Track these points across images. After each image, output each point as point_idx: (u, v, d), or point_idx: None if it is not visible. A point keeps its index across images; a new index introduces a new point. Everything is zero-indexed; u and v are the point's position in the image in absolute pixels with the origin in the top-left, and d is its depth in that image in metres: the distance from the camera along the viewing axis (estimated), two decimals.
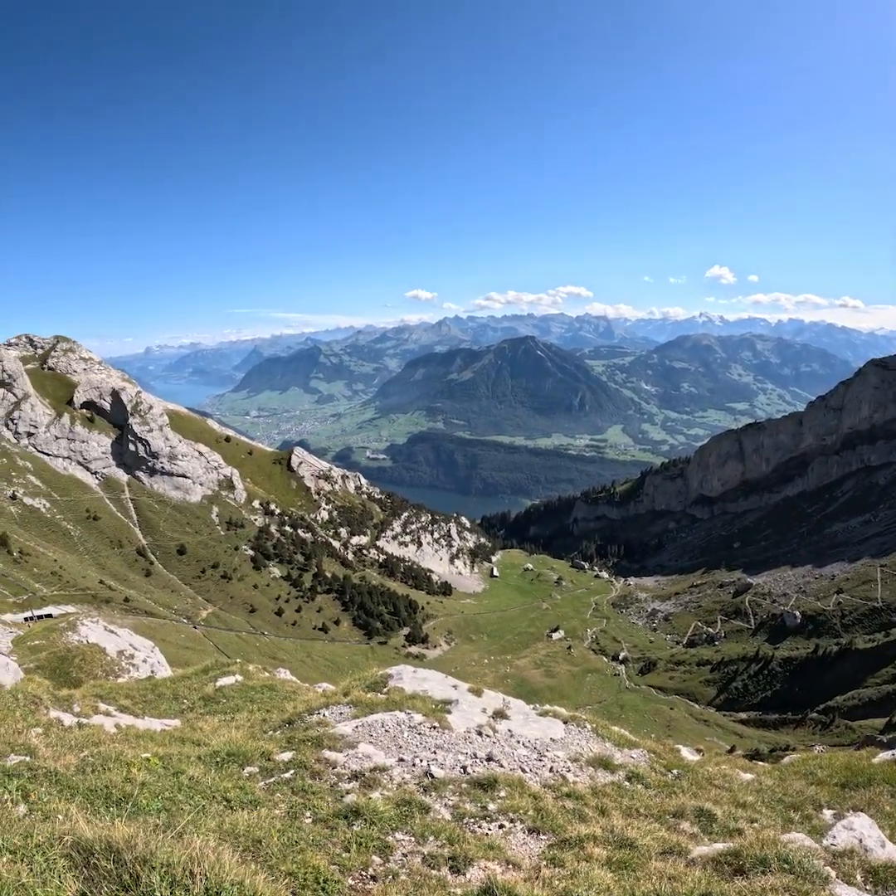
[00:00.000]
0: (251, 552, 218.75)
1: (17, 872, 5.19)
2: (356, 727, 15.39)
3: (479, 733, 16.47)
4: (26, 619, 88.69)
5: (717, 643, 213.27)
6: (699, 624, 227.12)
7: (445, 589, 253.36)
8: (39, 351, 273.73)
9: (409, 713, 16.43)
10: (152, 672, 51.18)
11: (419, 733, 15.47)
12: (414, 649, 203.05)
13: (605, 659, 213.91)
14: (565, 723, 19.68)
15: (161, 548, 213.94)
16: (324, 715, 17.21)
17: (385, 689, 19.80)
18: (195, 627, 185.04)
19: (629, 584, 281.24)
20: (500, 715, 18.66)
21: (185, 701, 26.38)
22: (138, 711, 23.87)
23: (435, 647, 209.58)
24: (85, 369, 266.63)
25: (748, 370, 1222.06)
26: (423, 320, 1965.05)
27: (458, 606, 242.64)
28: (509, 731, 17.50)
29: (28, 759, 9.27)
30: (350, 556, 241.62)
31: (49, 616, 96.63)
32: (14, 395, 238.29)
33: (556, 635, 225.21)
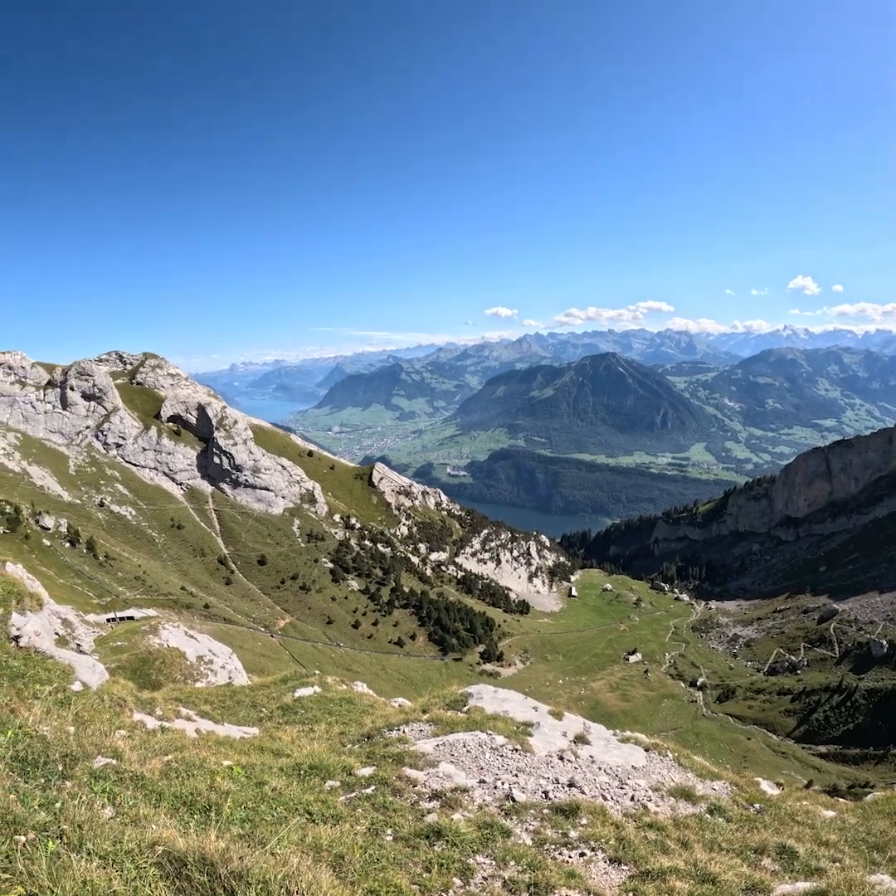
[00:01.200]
0: (330, 565, 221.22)
1: (108, 879, 5.13)
2: (437, 746, 15.19)
3: (561, 758, 16.15)
4: (108, 621, 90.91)
5: (799, 672, 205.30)
6: (781, 651, 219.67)
7: (523, 607, 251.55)
8: (128, 367, 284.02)
9: (490, 734, 16.16)
10: (230, 678, 51.91)
11: (501, 755, 15.20)
12: (488, 667, 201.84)
13: (683, 684, 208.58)
14: (647, 750, 19.16)
15: (242, 558, 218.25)
16: (403, 731, 17.05)
17: (465, 708, 19.54)
18: (272, 636, 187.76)
19: (710, 608, 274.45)
20: (581, 740, 18.26)
21: (263, 709, 26.53)
22: (218, 717, 24.12)
23: (510, 665, 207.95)
24: (172, 384, 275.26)
25: (835, 385, 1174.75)
26: (503, 337, 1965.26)
27: (534, 625, 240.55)
28: (591, 756, 17.10)
29: (115, 761, 9.34)
30: (428, 572, 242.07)
31: (131, 618, 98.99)
32: (104, 408, 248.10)
33: (633, 658, 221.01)
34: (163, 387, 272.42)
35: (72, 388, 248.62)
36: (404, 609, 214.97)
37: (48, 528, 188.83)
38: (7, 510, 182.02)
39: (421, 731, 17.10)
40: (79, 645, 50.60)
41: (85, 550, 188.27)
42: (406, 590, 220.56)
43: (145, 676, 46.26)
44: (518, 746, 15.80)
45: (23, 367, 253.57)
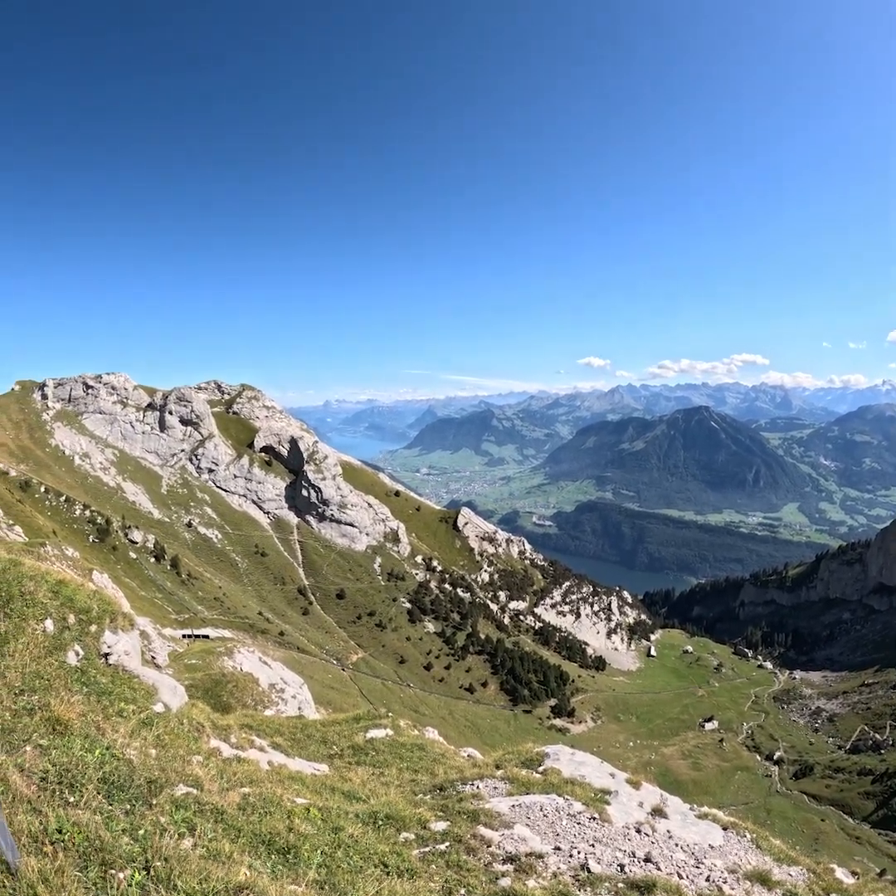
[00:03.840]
0: (408, 605, 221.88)
1: None
2: (513, 806, 14.75)
3: (638, 831, 15.53)
4: (184, 637, 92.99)
5: (882, 751, 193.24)
6: (866, 728, 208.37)
7: (599, 663, 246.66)
8: (226, 396, 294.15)
9: (567, 799, 15.64)
10: (299, 709, 52.06)
11: (578, 823, 14.66)
12: (558, 722, 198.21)
13: (759, 757, 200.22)
14: (725, 829, 18.28)
15: (321, 590, 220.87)
16: (478, 787, 16.66)
17: (541, 769, 19.00)
18: (343, 670, 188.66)
19: (794, 678, 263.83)
20: (658, 812, 17.58)
21: (334, 747, 26.35)
22: (289, 750, 24.02)
23: (580, 722, 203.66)
24: (267, 416, 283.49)
25: None
26: (595, 388, 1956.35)
27: (609, 683, 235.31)
28: (668, 831, 16.38)
29: (195, 791, 9.29)
30: (506, 620, 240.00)
31: (205, 637, 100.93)
32: (200, 433, 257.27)
33: (709, 726, 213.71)
34: (257, 418, 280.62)
35: (170, 412, 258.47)
36: (478, 655, 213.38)
37: (136, 542, 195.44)
38: (99, 521, 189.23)
39: (495, 788, 16.68)
40: (154, 658, 51.47)
41: (169, 567, 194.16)
42: (482, 636, 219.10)
43: (217, 698, 46.72)
44: (596, 815, 15.24)
45: (126, 389, 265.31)
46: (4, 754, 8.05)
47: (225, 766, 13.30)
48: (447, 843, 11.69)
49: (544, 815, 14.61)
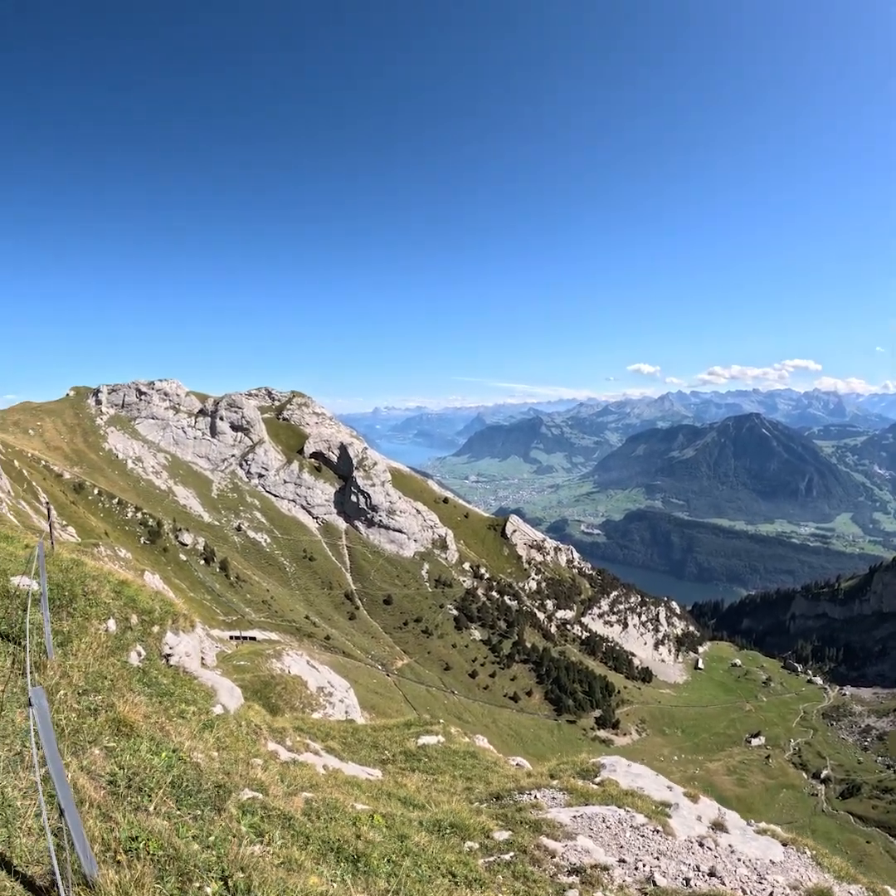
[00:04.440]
0: (455, 612, 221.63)
1: None
2: (574, 817, 14.49)
3: (701, 844, 15.27)
4: (232, 638, 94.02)
5: None
6: None
7: (645, 675, 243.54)
8: (276, 403, 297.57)
9: (629, 811, 15.35)
10: (347, 712, 52.04)
11: (641, 835, 14.36)
12: (602, 733, 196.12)
13: (805, 775, 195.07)
14: (784, 845, 18.02)
15: (368, 595, 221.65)
16: (536, 797, 16.44)
17: (597, 780, 18.71)
18: (388, 675, 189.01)
19: (844, 694, 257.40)
20: (719, 826, 17.33)
21: (385, 752, 26.25)
22: (343, 754, 24.00)
23: (624, 734, 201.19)
24: (316, 423, 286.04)
25: None
26: (645, 395, 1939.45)
27: (655, 695, 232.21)
28: (730, 846, 16.10)
29: (260, 795, 9.17)
30: (553, 629, 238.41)
31: (253, 639, 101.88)
32: (250, 439, 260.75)
33: (755, 741, 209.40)
34: (307, 424, 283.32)
35: (221, 418, 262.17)
36: (524, 664, 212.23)
37: (186, 545, 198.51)
38: (150, 523, 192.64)
39: (554, 798, 16.45)
40: (203, 658, 51.89)
41: (218, 569, 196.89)
42: (528, 645, 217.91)
43: (266, 699, 46.78)
44: (659, 827, 14.95)
45: (178, 395, 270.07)
46: (71, 755, 7.99)
47: (285, 769, 13.23)
48: (511, 854, 11.49)
49: (607, 827, 14.36)
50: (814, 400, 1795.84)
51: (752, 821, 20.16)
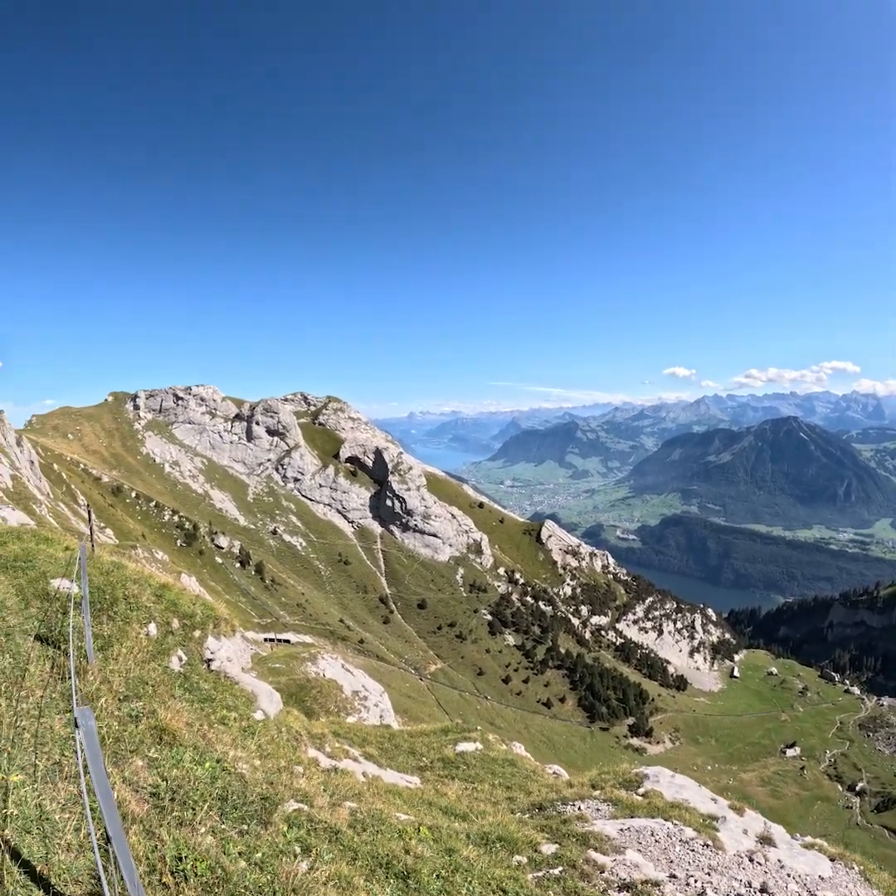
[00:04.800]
0: (489, 617, 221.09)
1: None
2: (621, 830, 14.13)
3: (751, 859, 14.95)
4: (266, 640, 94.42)
5: None
6: None
7: (680, 683, 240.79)
8: (312, 407, 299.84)
9: (677, 825, 14.96)
10: (381, 717, 51.89)
11: (692, 849, 13.98)
12: (635, 741, 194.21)
13: (840, 787, 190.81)
14: (832, 860, 17.67)
15: (403, 599, 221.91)
16: (580, 808, 16.10)
17: (641, 791, 18.34)
18: (421, 679, 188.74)
19: (882, 705, 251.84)
20: (767, 841, 16.97)
21: (423, 759, 26.03)
22: (381, 761, 23.83)
23: (658, 743, 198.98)
24: (352, 428, 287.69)
25: None
26: (681, 399, 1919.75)
27: (690, 703, 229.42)
28: (779, 861, 15.75)
29: (305, 807, 8.90)
30: (587, 635, 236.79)
31: (287, 642, 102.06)
32: (286, 443, 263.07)
33: (790, 752, 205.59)
34: (343, 429, 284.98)
35: (257, 423, 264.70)
36: (557, 670, 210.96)
37: (222, 548, 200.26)
38: (186, 526, 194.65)
39: (598, 810, 16.12)
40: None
41: (253, 572, 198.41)
42: (562, 651, 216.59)
43: (301, 703, 46.75)
44: (709, 842, 14.58)
45: (214, 400, 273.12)
46: (112, 766, 7.80)
47: (327, 777, 13.03)
48: (560, 868, 11.19)
49: (656, 841, 14.00)
50: (852, 402, 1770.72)
51: (798, 835, 19.76)
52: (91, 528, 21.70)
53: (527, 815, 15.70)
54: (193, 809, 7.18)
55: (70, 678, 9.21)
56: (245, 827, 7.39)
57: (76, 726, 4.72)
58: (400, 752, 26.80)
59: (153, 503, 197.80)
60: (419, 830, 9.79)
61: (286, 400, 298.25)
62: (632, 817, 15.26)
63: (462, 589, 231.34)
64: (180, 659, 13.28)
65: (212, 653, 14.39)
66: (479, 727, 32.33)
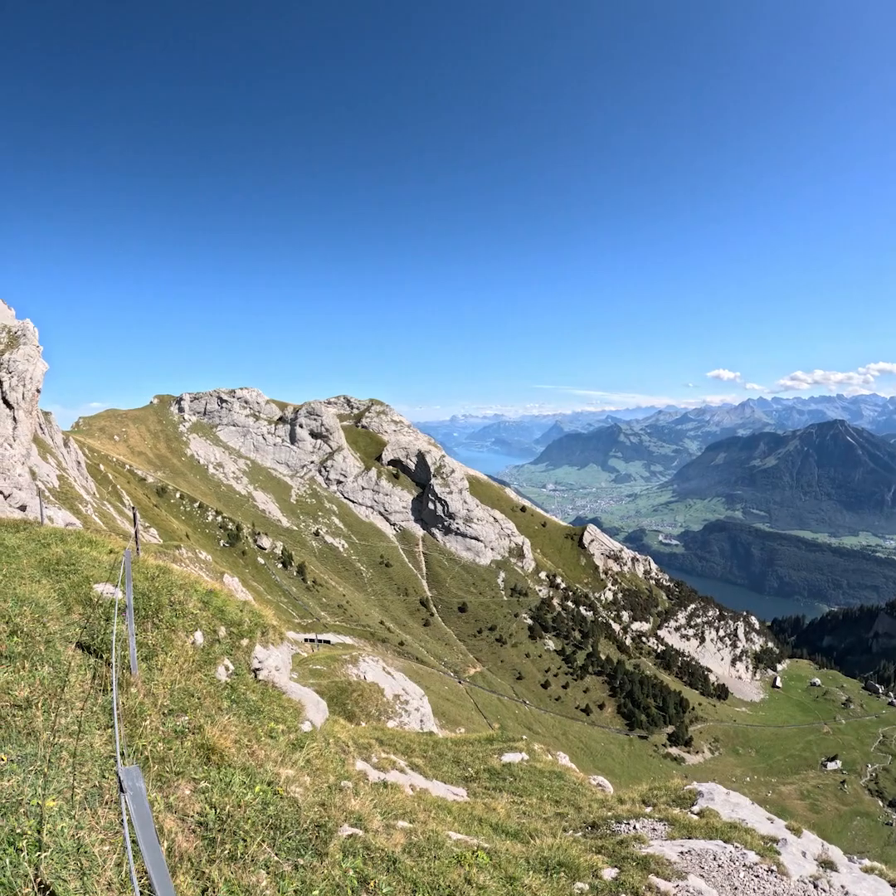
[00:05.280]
0: (530, 621, 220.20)
1: None
2: (681, 853, 13.45)
3: (815, 885, 14.16)
4: (307, 641, 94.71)
5: None
6: None
7: (721, 692, 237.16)
8: (355, 410, 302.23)
9: (739, 848, 14.24)
10: (421, 722, 51.56)
11: (756, 875, 13.26)
12: (674, 751, 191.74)
13: (881, 803, 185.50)
14: (893, 886, 16.78)
15: (443, 602, 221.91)
16: (635, 828, 15.45)
17: (696, 809, 17.61)
18: (460, 682, 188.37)
19: None
20: (828, 865, 16.14)
21: (468, 769, 25.60)
22: (427, 771, 23.42)
23: (697, 752, 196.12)
24: (395, 431, 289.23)
25: None
26: (725, 401, 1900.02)
27: (730, 713, 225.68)
28: (843, 887, 14.91)
29: (360, 832, 8.42)
30: (628, 642, 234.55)
31: (327, 642, 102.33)
32: (329, 446, 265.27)
33: (831, 765, 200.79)
34: (385, 432, 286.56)
35: (301, 426, 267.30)
36: (597, 676, 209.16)
37: (264, 548, 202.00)
38: (230, 527, 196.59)
39: (654, 829, 15.46)
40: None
41: (295, 573, 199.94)
42: (602, 657, 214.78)
43: (342, 706, 46.59)
44: (773, 867, 13.83)
45: (258, 403, 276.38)
46: (156, 790, 7.37)
47: (377, 794, 12.62)
48: (623, 895, 10.59)
49: (719, 866, 13.29)
50: None
51: (855, 856, 18.99)
52: (136, 532, 21.53)
53: (580, 834, 15.14)
54: (245, 841, 6.67)
55: (112, 690, 8.85)
56: (300, 859, 6.88)
57: (121, 789, 4.22)
58: (444, 761, 26.38)
59: (197, 504, 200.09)
60: (477, 855, 9.28)
61: (329, 403, 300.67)
62: (689, 839, 14.60)
63: (503, 592, 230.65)
64: (227, 668, 12.91)
65: (260, 662, 14.04)
66: (524, 736, 31.81)
